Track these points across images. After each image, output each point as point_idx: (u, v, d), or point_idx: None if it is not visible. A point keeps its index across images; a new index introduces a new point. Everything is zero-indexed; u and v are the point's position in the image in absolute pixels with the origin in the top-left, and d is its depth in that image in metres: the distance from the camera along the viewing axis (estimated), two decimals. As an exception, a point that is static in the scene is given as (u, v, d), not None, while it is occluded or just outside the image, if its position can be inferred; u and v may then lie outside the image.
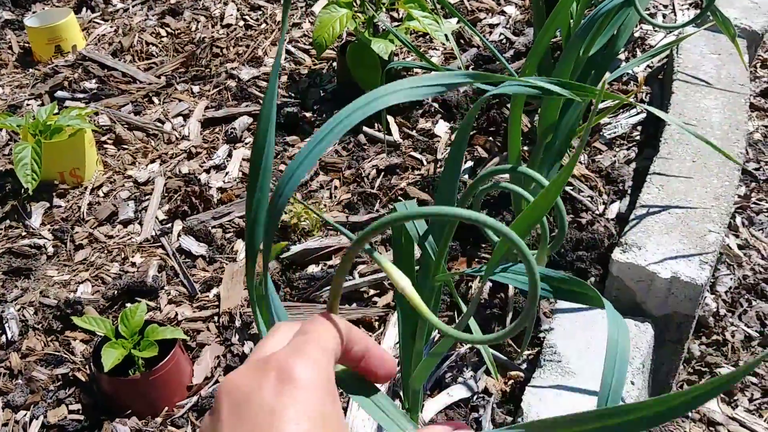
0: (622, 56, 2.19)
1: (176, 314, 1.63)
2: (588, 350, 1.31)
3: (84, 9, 2.79)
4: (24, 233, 1.87)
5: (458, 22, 2.39)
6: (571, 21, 1.65)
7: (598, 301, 0.78)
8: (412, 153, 1.95)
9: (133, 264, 1.76)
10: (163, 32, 2.58)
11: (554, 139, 1.45)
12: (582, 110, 1.47)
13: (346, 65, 2.06)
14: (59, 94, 2.32)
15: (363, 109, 0.67)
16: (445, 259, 0.97)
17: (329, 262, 1.67)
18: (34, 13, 2.75)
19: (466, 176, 1.84)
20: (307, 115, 2.13)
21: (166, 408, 1.48)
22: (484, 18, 2.40)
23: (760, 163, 2.10)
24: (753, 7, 2.17)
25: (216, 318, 1.61)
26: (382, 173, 1.89)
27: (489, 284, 1.58)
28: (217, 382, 1.50)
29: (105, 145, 2.13)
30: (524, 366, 1.45)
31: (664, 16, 2.35)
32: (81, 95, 2.31)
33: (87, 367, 1.55)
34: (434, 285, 0.97)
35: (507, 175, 1.74)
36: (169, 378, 1.47)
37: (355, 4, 2.06)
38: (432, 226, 1.03)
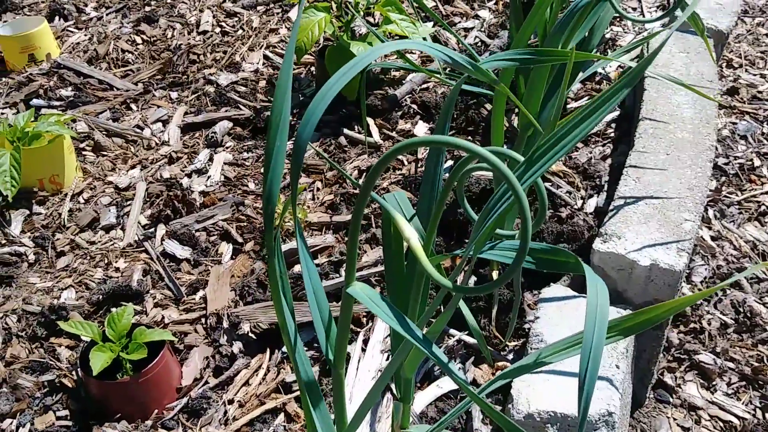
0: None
1: (163, 317, 1.63)
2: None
3: (57, 17, 2.77)
4: (4, 241, 1.85)
5: (435, 25, 2.42)
6: (547, 22, 1.69)
7: (579, 266, 0.82)
8: (393, 153, 1.98)
9: (117, 269, 1.76)
10: (138, 39, 2.58)
11: (535, 134, 1.49)
12: (561, 104, 1.50)
13: (325, 69, 2.09)
14: (35, 102, 2.31)
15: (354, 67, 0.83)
16: (433, 244, 1.00)
17: (316, 261, 1.68)
18: (5, 22, 2.73)
19: (446, 175, 1.87)
20: (287, 118, 2.14)
21: (156, 410, 1.47)
22: (459, 22, 2.45)
23: (729, 158, 2.16)
24: (718, 8, 2.24)
25: (203, 320, 1.61)
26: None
27: (474, 278, 1.61)
28: (206, 383, 1.51)
29: (84, 152, 2.13)
30: (511, 357, 1.48)
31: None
32: (57, 103, 2.30)
33: (74, 372, 1.54)
34: (423, 270, 1.00)
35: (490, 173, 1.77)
36: (159, 380, 1.47)
37: (332, 9, 2.09)
38: (419, 211, 1.06)
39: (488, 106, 2.05)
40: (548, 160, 0.85)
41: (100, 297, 1.66)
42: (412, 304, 1.11)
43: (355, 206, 0.79)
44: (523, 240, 0.73)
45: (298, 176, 0.88)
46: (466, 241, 1.67)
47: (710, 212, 2.01)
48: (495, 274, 1.55)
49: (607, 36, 2.31)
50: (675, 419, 1.62)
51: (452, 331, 1.51)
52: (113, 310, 1.63)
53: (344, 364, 0.96)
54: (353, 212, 0.79)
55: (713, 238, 1.95)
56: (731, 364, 1.70)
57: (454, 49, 2.35)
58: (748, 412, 1.61)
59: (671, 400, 1.65)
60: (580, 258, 1.60)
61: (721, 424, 1.60)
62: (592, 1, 1.37)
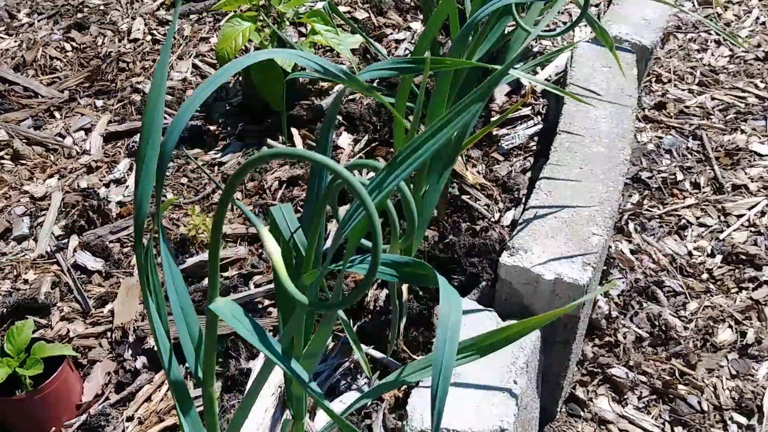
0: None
1: (68, 331, 1.59)
2: (474, 352, 1.33)
3: (-14, 23, 2.71)
4: None
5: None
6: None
7: (434, 279, 0.83)
8: (316, 165, 1.96)
9: (26, 281, 1.72)
10: (68, 46, 2.53)
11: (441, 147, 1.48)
12: (473, 116, 1.50)
13: (251, 79, 2.07)
14: (-45, 109, 2.25)
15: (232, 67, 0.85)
16: (316, 256, 0.99)
17: (225, 274, 1.66)
18: (-68, 27, 2.67)
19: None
20: (212, 128, 2.12)
21: (54, 428, 1.44)
22: (391, 34, 2.45)
23: (653, 172, 2.19)
24: (644, 24, 2.27)
25: (109, 333, 1.58)
26: (284, 184, 1.89)
27: (385, 291, 1.60)
28: (107, 399, 1.47)
29: (2, 161, 2.08)
30: (417, 371, 1.47)
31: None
32: (-22, 110, 2.25)
33: (-29, 388, 1.49)
34: (304, 285, 0.98)
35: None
36: (57, 396, 1.43)
37: (260, 19, 2.07)
38: (303, 223, 1.05)
39: (411, 119, 2.04)
40: (408, 167, 0.85)
41: (5, 310, 1.62)
42: (297, 324, 1.09)
43: (214, 215, 0.78)
44: (373, 254, 0.72)
45: (161, 188, 0.87)
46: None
47: (631, 226, 2.03)
48: (404, 289, 1.55)
49: (535, 50, 2.33)
50: (585, 433, 1.62)
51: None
52: (17, 323, 1.59)
53: (213, 383, 0.94)
54: (213, 221, 0.78)
55: (633, 252, 1.97)
56: (643, 378, 1.71)
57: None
58: (657, 426, 1.62)
59: (582, 413, 1.66)
60: (493, 274, 1.60)
61: (631, 438, 1.61)
62: (497, 12, 1.37)
